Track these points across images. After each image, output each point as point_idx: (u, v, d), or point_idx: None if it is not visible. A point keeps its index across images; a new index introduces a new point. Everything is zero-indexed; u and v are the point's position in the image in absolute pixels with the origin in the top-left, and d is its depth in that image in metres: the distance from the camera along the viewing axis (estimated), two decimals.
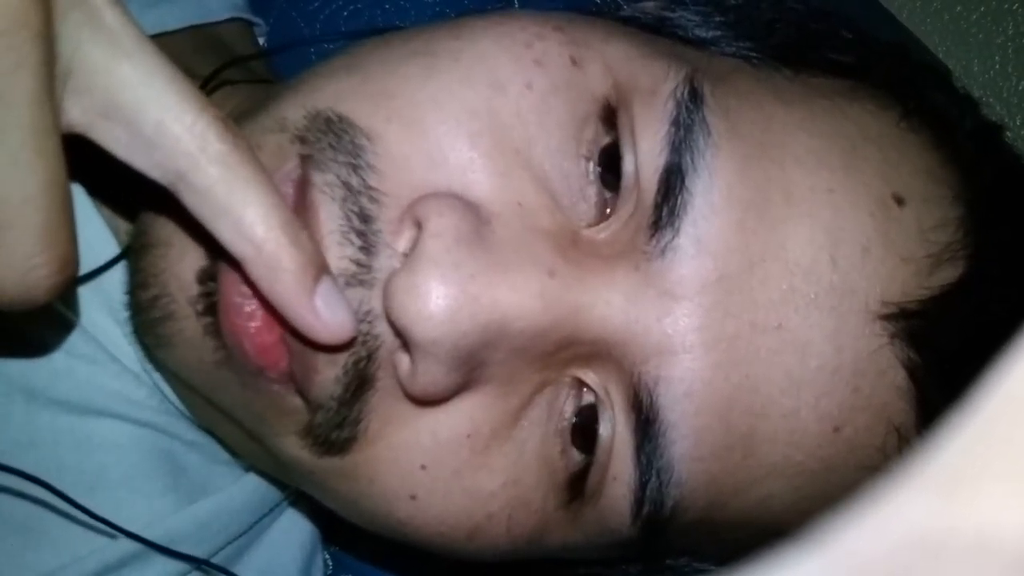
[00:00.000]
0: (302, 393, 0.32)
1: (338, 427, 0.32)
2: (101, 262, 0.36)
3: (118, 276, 0.37)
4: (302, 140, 0.32)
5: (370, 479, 0.32)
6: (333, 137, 0.31)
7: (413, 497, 0.32)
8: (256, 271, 0.28)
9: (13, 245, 0.25)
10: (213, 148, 0.27)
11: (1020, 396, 0.10)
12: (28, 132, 0.25)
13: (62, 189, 0.26)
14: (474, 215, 0.30)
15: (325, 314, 0.29)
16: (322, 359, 0.30)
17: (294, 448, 0.33)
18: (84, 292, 0.37)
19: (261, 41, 0.50)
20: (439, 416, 0.32)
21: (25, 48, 0.24)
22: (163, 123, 0.26)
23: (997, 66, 0.81)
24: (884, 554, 0.10)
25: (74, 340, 0.37)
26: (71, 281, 0.27)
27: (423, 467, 0.32)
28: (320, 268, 0.29)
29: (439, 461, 0.32)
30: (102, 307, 0.37)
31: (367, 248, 0.31)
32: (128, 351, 0.38)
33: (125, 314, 0.36)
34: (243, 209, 0.27)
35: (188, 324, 0.32)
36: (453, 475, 0.32)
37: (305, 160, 0.31)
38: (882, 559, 0.10)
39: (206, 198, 0.27)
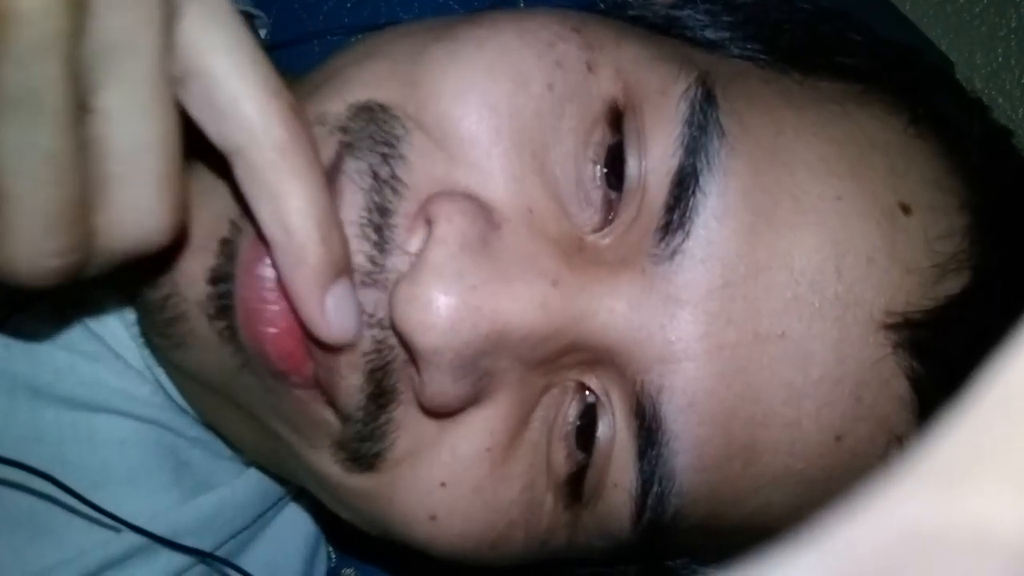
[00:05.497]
0: (331, 403, 0.32)
1: (367, 439, 0.32)
2: None
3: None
4: (343, 130, 0.32)
5: (390, 500, 0.32)
6: (375, 128, 0.31)
7: (433, 517, 0.32)
8: (281, 258, 0.29)
9: (134, 191, 0.26)
10: (275, 133, 0.28)
11: (1017, 392, 0.10)
12: (151, 83, 0.26)
13: (177, 137, 0.27)
14: (484, 220, 0.30)
15: (331, 314, 0.29)
16: (343, 363, 0.31)
17: (326, 462, 0.33)
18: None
19: (263, 34, 0.49)
20: (458, 432, 0.32)
21: (152, 3, 0.25)
22: (237, 98, 0.27)
23: (1000, 59, 0.80)
24: (881, 549, 0.10)
25: (78, 337, 0.37)
26: (182, 225, 0.29)
27: (443, 485, 0.32)
28: (341, 270, 0.29)
29: (459, 478, 0.32)
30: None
31: (381, 245, 0.31)
32: (131, 348, 0.38)
33: (129, 312, 0.36)
34: (286, 198, 0.28)
35: (200, 325, 0.32)
36: (473, 491, 0.32)
37: (344, 147, 0.31)
38: (879, 554, 0.10)
39: (255, 178, 0.28)
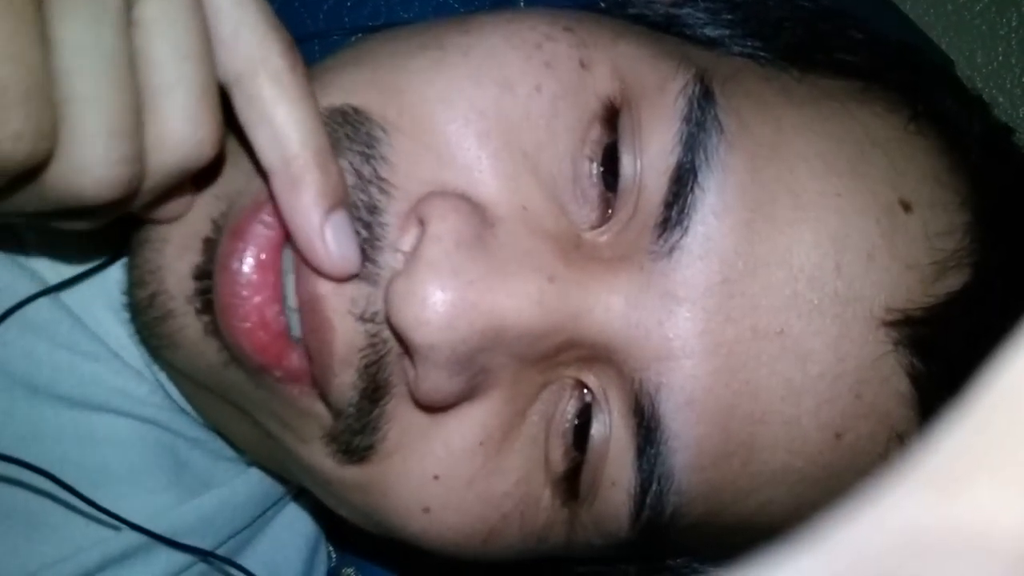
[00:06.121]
0: (323, 397, 0.32)
1: (359, 433, 0.32)
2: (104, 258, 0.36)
3: (121, 273, 0.36)
4: None
5: (383, 492, 0.32)
6: (350, 128, 0.32)
7: (426, 510, 0.32)
8: (279, 184, 0.29)
9: (178, 101, 0.28)
10: (274, 63, 0.29)
11: (1017, 392, 0.10)
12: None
13: (211, 50, 0.28)
14: (478, 218, 0.30)
15: (332, 243, 0.29)
16: (337, 360, 0.30)
17: (318, 455, 0.33)
18: (87, 288, 0.37)
19: None
20: (451, 425, 0.32)
21: None
22: (239, 27, 0.28)
23: (1000, 57, 0.80)
24: (881, 550, 0.10)
25: (76, 337, 0.37)
26: (221, 143, 0.30)
27: (436, 477, 0.32)
28: (339, 200, 0.30)
29: (452, 471, 0.32)
30: (105, 304, 0.37)
31: (371, 241, 0.31)
32: (131, 348, 0.38)
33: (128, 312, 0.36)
34: (283, 125, 0.29)
35: (188, 321, 0.32)
36: (466, 485, 0.32)
37: None
38: (879, 555, 0.10)
39: (254, 104, 0.29)
